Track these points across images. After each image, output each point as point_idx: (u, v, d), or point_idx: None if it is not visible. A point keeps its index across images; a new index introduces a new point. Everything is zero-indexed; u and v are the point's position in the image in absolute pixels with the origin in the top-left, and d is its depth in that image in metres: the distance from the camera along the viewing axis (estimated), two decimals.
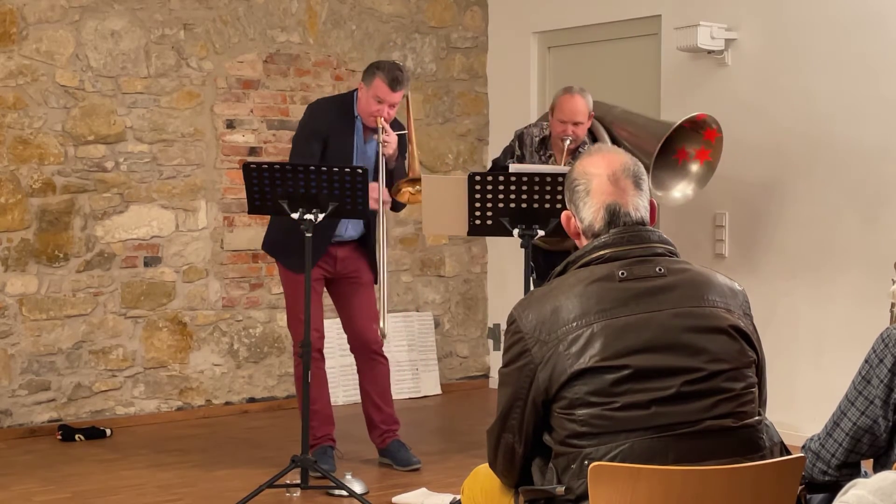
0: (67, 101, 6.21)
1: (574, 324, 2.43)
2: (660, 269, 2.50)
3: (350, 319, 5.41)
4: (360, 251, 5.38)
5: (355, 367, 5.50)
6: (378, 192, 5.07)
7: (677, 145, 5.56)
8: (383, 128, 5.08)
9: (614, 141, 5.60)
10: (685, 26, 6.10)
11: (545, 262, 5.48)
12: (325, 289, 5.43)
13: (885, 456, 2.58)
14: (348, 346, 5.49)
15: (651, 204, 2.61)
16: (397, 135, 5.17)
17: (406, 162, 5.26)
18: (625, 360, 2.40)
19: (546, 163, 5.58)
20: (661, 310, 2.45)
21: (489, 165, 7.53)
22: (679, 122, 5.47)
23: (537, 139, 5.65)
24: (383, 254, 5.19)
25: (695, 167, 5.60)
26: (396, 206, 5.40)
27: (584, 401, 2.40)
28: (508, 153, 5.75)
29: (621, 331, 2.42)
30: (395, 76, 5.09)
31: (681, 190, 5.63)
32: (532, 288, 4.98)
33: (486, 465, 2.87)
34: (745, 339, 2.51)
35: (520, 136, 5.72)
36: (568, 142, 5.42)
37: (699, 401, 2.41)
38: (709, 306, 2.49)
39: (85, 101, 6.26)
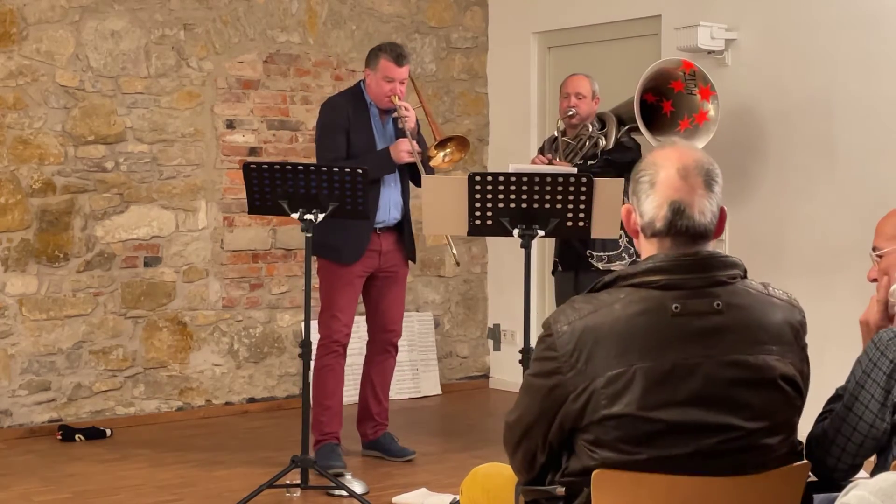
0: (67, 102, 6.21)
1: (615, 360, 2.28)
2: (717, 305, 2.31)
3: (378, 311, 5.51)
4: (399, 243, 5.47)
5: (357, 367, 5.52)
6: (408, 145, 5.22)
7: (680, 117, 5.70)
8: (400, 105, 5.28)
9: (622, 124, 5.82)
10: (685, 26, 6.10)
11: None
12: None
13: (885, 456, 2.58)
14: (354, 344, 5.53)
15: (721, 211, 2.36)
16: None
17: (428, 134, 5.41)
18: (661, 412, 2.27)
19: (555, 150, 5.87)
20: (710, 356, 2.30)
21: (489, 165, 7.56)
22: (665, 60, 5.69)
23: (549, 138, 6.03)
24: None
25: (695, 132, 5.64)
26: (429, 170, 5.48)
27: (611, 445, 2.30)
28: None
29: (664, 377, 2.28)
30: (398, 52, 5.34)
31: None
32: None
33: (486, 465, 2.87)
34: (794, 387, 2.38)
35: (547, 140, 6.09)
36: (570, 113, 5.78)
37: (731, 457, 2.32)
38: (761, 354, 2.33)
39: (85, 102, 6.26)
